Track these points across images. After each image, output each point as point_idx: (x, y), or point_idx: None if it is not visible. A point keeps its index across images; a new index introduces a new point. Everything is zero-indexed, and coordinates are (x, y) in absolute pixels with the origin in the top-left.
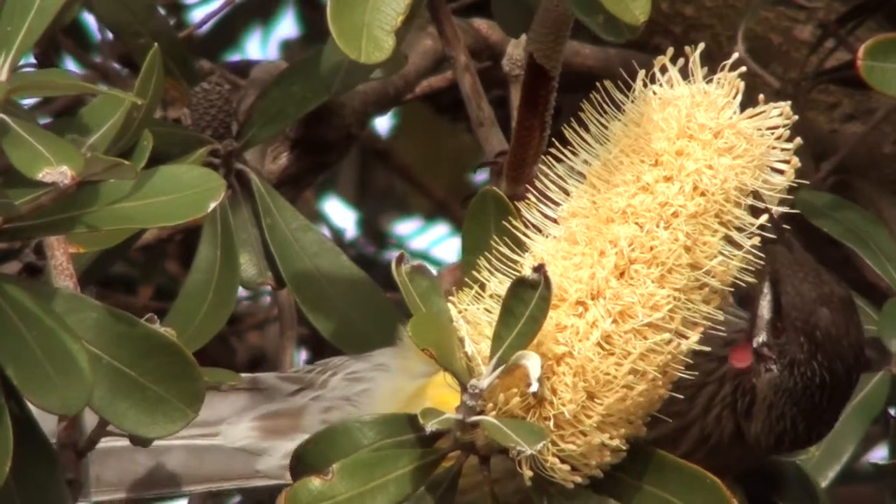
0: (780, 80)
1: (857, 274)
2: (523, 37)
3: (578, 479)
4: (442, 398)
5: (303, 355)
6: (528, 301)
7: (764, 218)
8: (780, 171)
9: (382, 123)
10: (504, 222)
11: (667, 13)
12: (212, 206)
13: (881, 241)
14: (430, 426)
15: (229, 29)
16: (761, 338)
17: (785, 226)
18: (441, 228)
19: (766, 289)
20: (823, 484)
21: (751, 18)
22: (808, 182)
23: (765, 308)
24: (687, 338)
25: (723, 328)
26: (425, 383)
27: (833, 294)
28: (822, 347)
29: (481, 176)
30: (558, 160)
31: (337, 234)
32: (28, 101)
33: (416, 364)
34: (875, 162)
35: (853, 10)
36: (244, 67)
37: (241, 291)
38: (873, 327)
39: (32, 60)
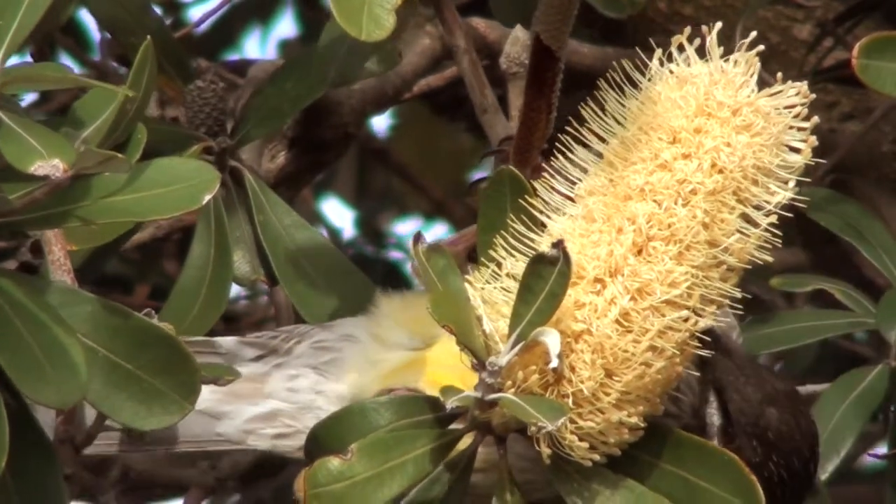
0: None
1: (855, 269)
2: (522, 35)
3: (596, 457)
4: (437, 378)
5: None
6: (547, 277)
7: (782, 196)
8: (797, 150)
9: (380, 123)
10: (520, 201)
11: (665, 13)
12: (206, 198)
13: (879, 236)
14: (451, 404)
15: (228, 28)
16: (715, 443)
17: (717, 334)
18: (439, 228)
19: (712, 397)
20: (822, 477)
21: (749, 17)
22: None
23: (713, 416)
24: (704, 315)
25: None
26: (413, 357)
27: (777, 391)
28: (775, 447)
29: (480, 174)
30: (575, 139)
31: (335, 234)
32: (25, 100)
33: (391, 334)
34: (874, 161)
35: (851, 8)
36: (242, 67)
37: (241, 291)
38: (871, 320)
39: (29, 59)
